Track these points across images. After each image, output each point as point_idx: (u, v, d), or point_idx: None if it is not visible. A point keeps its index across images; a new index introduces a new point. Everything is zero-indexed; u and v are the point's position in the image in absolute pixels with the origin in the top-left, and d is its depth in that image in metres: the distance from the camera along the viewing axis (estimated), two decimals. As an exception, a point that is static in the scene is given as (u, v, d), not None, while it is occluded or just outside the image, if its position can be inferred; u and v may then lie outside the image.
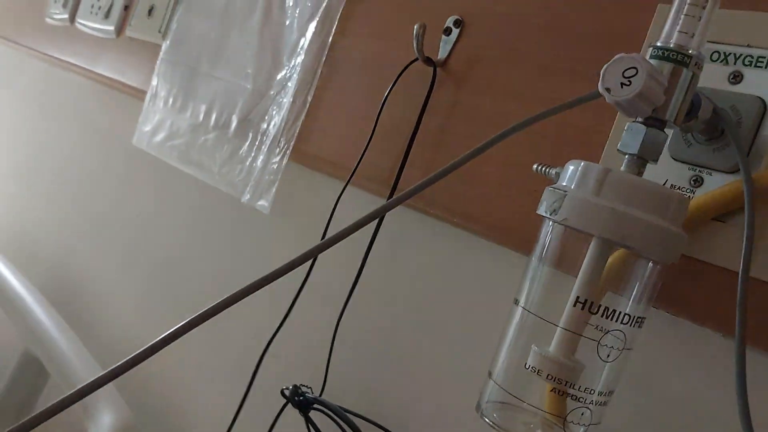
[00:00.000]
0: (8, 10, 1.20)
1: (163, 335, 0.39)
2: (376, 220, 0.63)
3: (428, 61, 0.57)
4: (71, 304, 0.94)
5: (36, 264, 1.03)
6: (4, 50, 1.24)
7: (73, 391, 0.37)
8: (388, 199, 0.63)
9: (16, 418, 0.86)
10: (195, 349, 0.81)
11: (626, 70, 0.36)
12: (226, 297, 0.42)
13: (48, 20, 1.09)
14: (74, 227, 1.02)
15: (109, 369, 0.37)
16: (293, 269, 0.42)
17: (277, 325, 0.66)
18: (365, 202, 0.66)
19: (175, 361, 0.83)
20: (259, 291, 0.72)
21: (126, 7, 0.94)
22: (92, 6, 0.99)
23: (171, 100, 0.85)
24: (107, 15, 0.96)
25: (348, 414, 0.61)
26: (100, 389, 0.76)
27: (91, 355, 0.78)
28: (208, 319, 0.41)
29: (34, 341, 0.82)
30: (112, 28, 0.95)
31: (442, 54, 0.58)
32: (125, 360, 0.38)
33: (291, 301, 0.66)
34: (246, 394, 0.69)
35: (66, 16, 1.04)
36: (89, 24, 1.00)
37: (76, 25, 1.02)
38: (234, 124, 0.77)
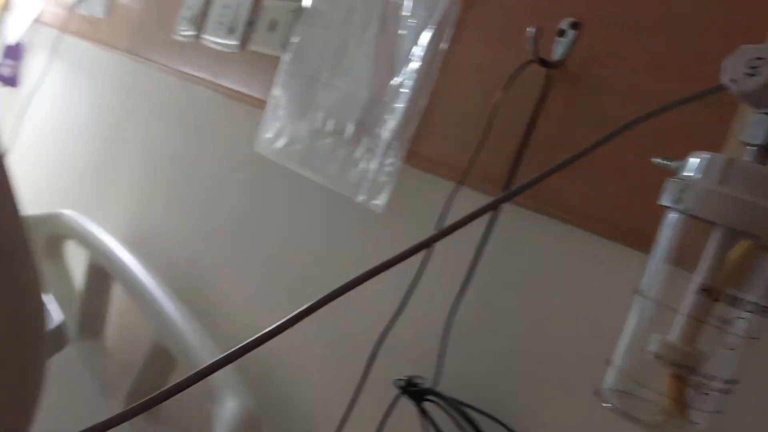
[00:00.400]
0: (140, 29, 1.31)
1: (278, 322, 0.40)
2: (489, 217, 0.64)
3: (543, 62, 0.59)
4: (198, 299, 1.01)
5: (166, 263, 1.11)
6: (136, 66, 1.34)
7: (193, 372, 0.39)
8: (503, 200, 0.65)
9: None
10: (312, 341, 0.85)
11: (751, 60, 0.37)
12: (340, 285, 0.43)
13: (176, 37, 1.17)
14: (201, 228, 1.09)
15: (227, 352, 0.39)
16: (407, 258, 0.43)
17: (391, 316, 0.69)
18: (478, 202, 0.68)
19: (293, 353, 0.88)
20: (374, 284, 0.75)
21: (249, 23, 1.00)
22: (218, 22, 1.06)
23: (291, 109, 0.90)
24: (232, 30, 1.03)
25: (462, 406, 0.63)
26: (226, 378, 0.81)
27: (216, 346, 0.84)
28: (321, 307, 0.42)
29: (165, 334, 0.89)
30: (236, 42, 1.02)
31: (557, 55, 0.60)
32: (243, 344, 0.39)
33: (404, 294, 0.68)
34: (361, 384, 0.72)
35: (193, 32, 1.12)
36: (215, 39, 1.07)
37: (203, 40, 1.10)
38: (350, 129, 0.81)
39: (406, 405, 0.67)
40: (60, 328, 0.75)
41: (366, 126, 0.79)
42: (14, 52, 1.83)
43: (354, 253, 0.82)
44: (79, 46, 1.55)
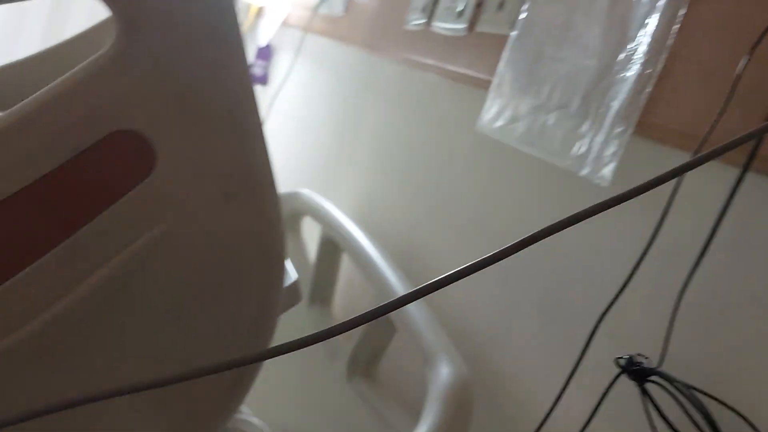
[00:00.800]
0: (375, 23, 1.39)
1: (469, 263, 0.39)
2: (731, 187, 0.59)
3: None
4: (416, 272, 1.04)
5: (390, 237, 1.17)
6: (370, 58, 1.43)
7: (375, 307, 0.40)
8: (745, 170, 0.60)
9: (366, 368, 0.98)
10: (528, 315, 0.84)
11: None
12: (538, 230, 0.40)
13: (408, 27, 1.23)
14: (420, 205, 1.13)
15: (417, 287, 0.39)
16: (605, 210, 0.40)
17: (616, 291, 0.66)
18: (716, 172, 0.62)
19: (506, 331, 0.87)
20: (594, 258, 0.72)
21: (478, 5, 1.02)
22: (447, 8, 1.09)
23: (514, 86, 0.90)
24: (461, 14, 1.05)
25: (691, 389, 0.59)
26: (441, 344, 0.83)
27: (433, 315, 0.86)
28: (517, 252, 0.39)
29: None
30: (464, 26, 1.04)
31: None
32: (433, 281, 0.39)
33: (632, 267, 0.65)
34: (578, 361, 0.70)
35: (424, 20, 1.16)
36: (443, 25, 1.10)
37: (432, 27, 1.14)
38: (576, 102, 0.79)
39: (627, 385, 0.64)
40: (295, 285, 0.82)
41: (593, 98, 0.77)
42: (265, 53, 2.03)
43: (576, 229, 0.80)
44: (320, 44, 1.68)
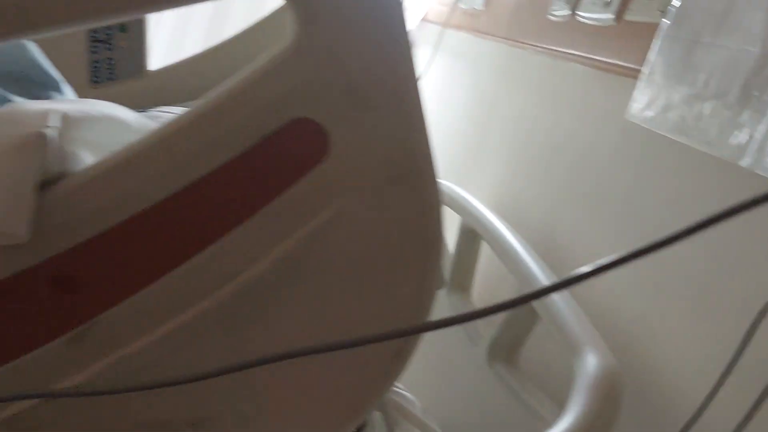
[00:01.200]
0: (515, 15, 1.39)
1: (619, 256, 0.38)
2: None
3: None
4: (558, 262, 1.04)
5: (529, 226, 1.17)
6: (510, 50, 1.43)
7: (525, 294, 0.40)
8: None
9: (507, 354, 0.99)
10: (679, 309, 0.82)
11: None
12: (699, 221, 0.39)
13: (550, 17, 1.22)
14: (562, 195, 1.13)
15: (566, 277, 0.39)
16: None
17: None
18: None
19: (657, 323, 0.86)
20: (755, 249, 0.70)
21: (627, -7, 1.00)
22: (593, -2, 1.08)
23: (668, 74, 0.87)
24: (608, 4, 1.04)
25: None
26: (588, 335, 0.82)
27: (577, 305, 0.86)
28: (674, 243, 0.39)
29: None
30: (611, 15, 1.02)
31: None
32: (585, 271, 0.38)
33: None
34: (735, 357, 0.67)
35: (567, 11, 1.15)
36: (589, 15, 1.09)
37: (577, 17, 1.13)
38: (735, 90, 0.76)
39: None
40: (439, 271, 0.85)
41: (754, 85, 0.74)
42: (404, 48, 2.07)
43: (738, 227, 0.77)
44: (460, 38, 1.70)
